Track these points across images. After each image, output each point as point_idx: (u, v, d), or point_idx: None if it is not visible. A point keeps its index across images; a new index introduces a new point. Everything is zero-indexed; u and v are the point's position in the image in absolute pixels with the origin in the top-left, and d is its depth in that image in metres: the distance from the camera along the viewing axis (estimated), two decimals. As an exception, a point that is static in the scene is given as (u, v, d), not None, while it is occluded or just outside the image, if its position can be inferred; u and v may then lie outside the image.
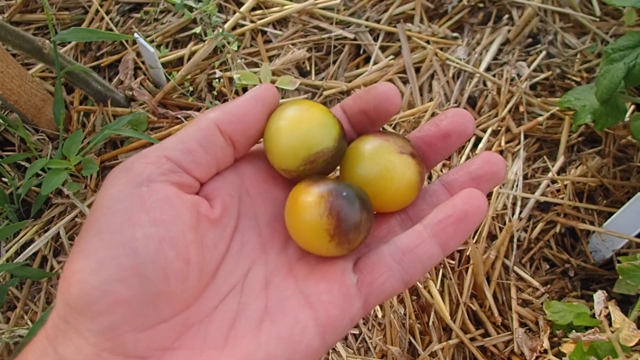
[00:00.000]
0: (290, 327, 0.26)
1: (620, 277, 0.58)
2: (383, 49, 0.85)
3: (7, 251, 0.69)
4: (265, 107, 0.30)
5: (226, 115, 0.29)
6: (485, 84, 0.82)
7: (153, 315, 0.25)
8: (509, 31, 0.87)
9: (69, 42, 0.86)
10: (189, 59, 0.83)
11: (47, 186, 0.63)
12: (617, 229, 0.65)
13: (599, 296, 0.54)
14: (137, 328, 0.25)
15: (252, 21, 0.86)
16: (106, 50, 0.86)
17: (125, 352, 0.25)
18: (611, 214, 0.67)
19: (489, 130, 0.77)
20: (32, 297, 0.67)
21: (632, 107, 0.75)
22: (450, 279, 0.65)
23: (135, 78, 0.81)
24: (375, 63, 0.83)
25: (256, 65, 0.83)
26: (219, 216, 0.29)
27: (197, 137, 0.28)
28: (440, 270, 0.66)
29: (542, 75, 0.83)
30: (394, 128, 0.77)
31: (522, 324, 0.64)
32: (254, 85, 0.41)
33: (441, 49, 0.85)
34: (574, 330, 0.53)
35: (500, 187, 0.72)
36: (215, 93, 0.80)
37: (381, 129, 0.32)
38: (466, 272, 0.65)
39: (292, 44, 0.84)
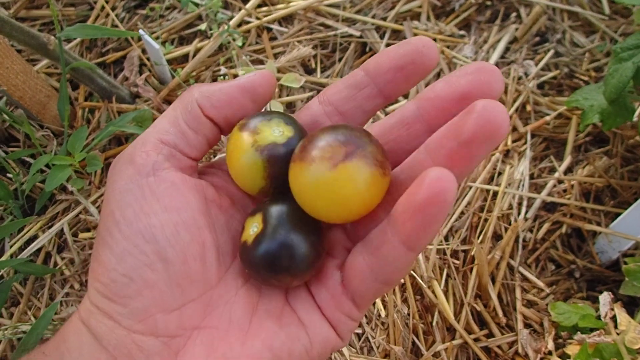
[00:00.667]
0: (311, 313, 0.27)
1: (626, 279, 0.57)
2: (389, 46, 0.85)
3: (11, 247, 0.69)
4: (255, 97, 0.29)
5: (209, 99, 0.28)
6: (491, 83, 0.81)
7: (179, 296, 0.26)
8: (516, 29, 0.86)
9: (75, 39, 0.86)
10: (194, 55, 0.82)
11: (51, 182, 0.63)
12: (624, 230, 0.64)
13: (605, 298, 0.53)
14: (167, 309, 0.26)
15: (257, 18, 0.86)
16: (111, 46, 0.86)
17: (156, 333, 0.25)
18: (618, 214, 0.67)
19: (495, 130, 0.76)
20: (36, 293, 0.67)
21: (641, 107, 0.75)
22: (455, 279, 0.65)
23: (141, 75, 0.81)
24: (380, 61, 0.83)
25: (261, 62, 0.83)
26: (229, 205, 0.30)
27: (186, 119, 0.28)
28: (445, 270, 0.65)
29: (550, 74, 0.82)
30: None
31: (527, 325, 0.63)
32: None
33: (448, 47, 0.84)
34: (579, 332, 0.52)
35: (506, 187, 0.71)
36: (220, 90, 0.80)
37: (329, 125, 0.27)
38: (471, 272, 0.65)
39: (298, 41, 0.84)
